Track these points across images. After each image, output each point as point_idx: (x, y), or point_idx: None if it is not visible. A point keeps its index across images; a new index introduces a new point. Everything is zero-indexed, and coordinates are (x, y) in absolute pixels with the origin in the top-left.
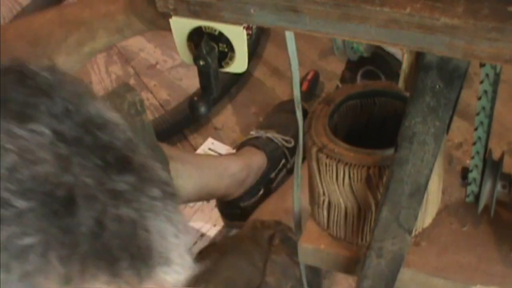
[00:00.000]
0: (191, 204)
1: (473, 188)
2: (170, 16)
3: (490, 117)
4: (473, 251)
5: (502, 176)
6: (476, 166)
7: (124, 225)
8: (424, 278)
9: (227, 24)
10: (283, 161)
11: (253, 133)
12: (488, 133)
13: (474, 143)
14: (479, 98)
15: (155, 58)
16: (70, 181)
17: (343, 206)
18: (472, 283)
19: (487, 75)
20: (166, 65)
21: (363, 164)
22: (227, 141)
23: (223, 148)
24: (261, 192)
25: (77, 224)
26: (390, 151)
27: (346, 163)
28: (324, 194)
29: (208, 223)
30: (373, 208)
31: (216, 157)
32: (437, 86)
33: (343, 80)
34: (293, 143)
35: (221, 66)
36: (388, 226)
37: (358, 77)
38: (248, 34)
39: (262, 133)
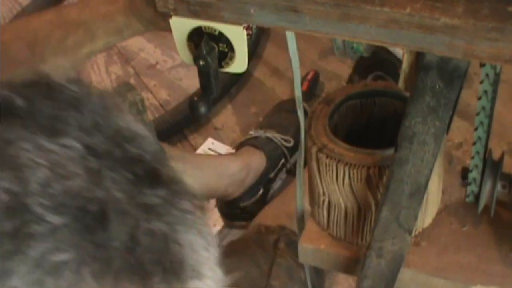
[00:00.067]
0: None
1: (473, 188)
2: (170, 16)
3: (490, 117)
4: (473, 251)
5: (502, 176)
6: (476, 166)
7: (157, 239)
8: (424, 278)
9: (227, 24)
10: (283, 160)
11: (252, 132)
12: (488, 133)
13: (474, 143)
14: (479, 98)
15: (155, 58)
16: (102, 195)
17: (343, 206)
18: (472, 283)
19: (487, 75)
20: (166, 65)
21: (363, 164)
22: (227, 141)
23: (223, 148)
24: (261, 191)
25: (110, 239)
26: (390, 151)
27: (346, 163)
28: (324, 194)
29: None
30: (373, 208)
31: (216, 157)
32: (437, 86)
33: (350, 83)
34: (292, 143)
35: (221, 66)
36: (388, 226)
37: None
38: (248, 34)
39: (261, 133)
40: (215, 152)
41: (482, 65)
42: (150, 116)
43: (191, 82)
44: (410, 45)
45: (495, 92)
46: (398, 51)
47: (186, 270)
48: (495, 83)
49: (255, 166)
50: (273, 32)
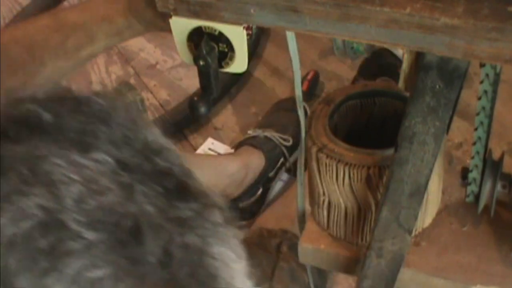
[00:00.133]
0: None
1: (473, 188)
2: (170, 16)
3: (490, 117)
4: (473, 251)
5: (502, 176)
6: (476, 166)
7: (190, 252)
8: (424, 278)
9: (227, 24)
10: (282, 159)
11: (250, 132)
12: (488, 133)
13: (474, 143)
14: (479, 98)
15: (155, 58)
16: (134, 210)
17: (343, 206)
18: (472, 283)
19: (487, 75)
20: (166, 65)
21: (363, 164)
22: (227, 141)
23: (223, 148)
24: (260, 191)
25: (145, 254)
26: (390, 151)
27: (346, 163)
28: (324, 194)
29: None
30: (373, 208)
31: (216, 157)
32: (437, 86)
33: None
34: (291, 142)
35: (221, 66)
36: (388, 226)
37: None
38: (248, 34)
39: (259, 132)
40: (215, 152)
41: (482, 65)
42: (150, 116)
43: (191, 82)
44: (410, 45)
45: (495, 92)
46: (401, 53)
47: (220, 283)
48: (495, 83)
49: (254, 166)
50: (273, 32)
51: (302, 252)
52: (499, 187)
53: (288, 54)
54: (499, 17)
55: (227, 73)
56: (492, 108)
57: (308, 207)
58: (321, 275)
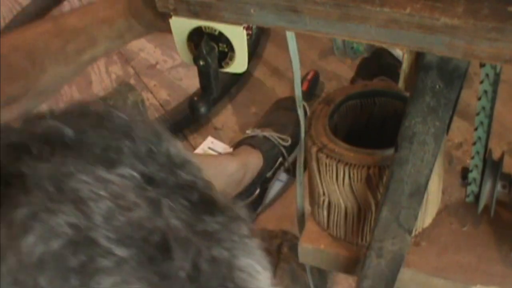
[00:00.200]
0: None
1: (473, 188)
2: (170, 16)
3: (490, 117)
4: (473, 251)
5: (502, 176)
6: (476, 166)
7: (219, 266)
8: (424, 278)
9: (227, 24)
10: (280, 159)
11: (249, 132)
12: (488, 133)
13: (474, 143)
14: (479, 98)
15: (155, 58)
16: (162, 225)
17: (343, 206)
18: (472, 283)
19: (487, 75)
20: (166, 65)
21: (363, 164)
22: (227, 141)
23: (223, 147)
24: (257, 191)
25: (174, 269)
26: (390, 151)
27: (346, 163)
28: (324, 194)
29: None
30: (373, 208)
31: (215, 157)
32: (437, 86)
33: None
34: (290, 142)
35: (221, 66)
36: (388, 226)
37: None
38: (248, 34)
39: (258, 132)
40: (215, 151)
41: (482, 65)
42: (150, 116)
43: (191, 82)
44: (410, 45)
45: (495, 92)
46: (400, 54)
47: None
48: (495, 83)
49: (252, 166)
50: (273, 32)
51: (302, 252)
52: (499, 187)
53: (288, 54)
54: (499, 17)
55: (227, 73)
56: (492, 108)
57: (308, 207)
58: (321, 275)
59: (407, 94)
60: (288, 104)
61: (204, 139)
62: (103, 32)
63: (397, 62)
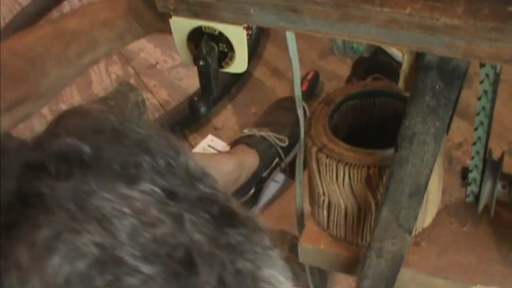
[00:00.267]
0: None
1: (473, 188)
2: (170, 16)
3: (490, 117)
4: (473, 251)
5: (502, 176)
6: (476, 166)
7: (244, 278)
8: (424, 278)
9: (227, 24)
10: (277, 160)
11: (246, 131)
12: (488, 133)
13: (474, 143)
14: (479, 98)
15: (155, 58)
16: (185, 240)
17: (343, 206)
18: (472, 283)
19: (487, 75)
20: (166, 65)
21: (363, 164)
22: (226, 141)
23: (222, 146)
24: (252, 191)
25: (200, 284)
26: (390, 151)
27: (346, 163)
28: (324, 194)
29: None
30: (373, 208)
31: (212, 156)
32: (437, 86)
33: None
34: (287, 142)
35: (221, 66)
36: (388, 226)
37: None
38: (248, 34)
39: (255, 131)
40: (214, 149)
41: (482, 65)
42: (150, 116)
43: (191, 82)
44: (410, 45)
45: (495, 92)
46: (397, 54)
47: None
48: (495, 83)
49: (248, 165)
50: (273, 32)
51: (302, 252)
52: (499, 187)
53: (288, 54)
54: (499, 17)
55: (227, 73)
56: (492, 108)
57: (307, 207)
58: (321, 275)
59: (407, 94)
60: (287, 104)
61: (204, 139)
62: (103, 34)
63: (392, 60)
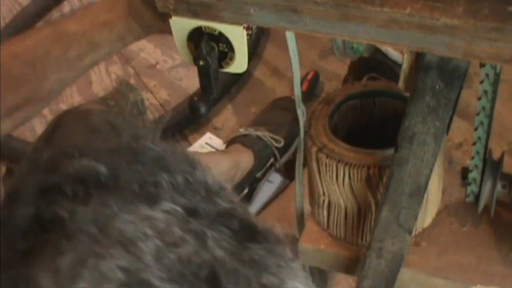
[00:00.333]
0: None
1: (473, 188)
2: (170, 17)
3: (490, 117)
4: (473, 251)
5: (502, 176)
6: (476, 166)
7: None
8: (424, 278)
9: (227, 24)
10: (271, 160)
11: (242, 130)
12: (488, 133)
13: (474, 143)
14: (479, 98)
15: (155, 58)
16: (208, 258)
17: (343, 206)
18: (472, 283)
19: (487, 75)
20: (166, 65)
21: (363, 164)
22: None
23: (220, 144)
24: (246, 191)
25: None
26: (390, 151)
27: (346, 163)
28: (324, 194)
29: None
30: (373, 208)
31: (209, 155)
32: (437, 86)
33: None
34: (283, 143)
35: (221, 66)
36: (388, 226)
37: None
38: (248, 34)
39: (251, 131)
40: (212, 147)
41: (482, 65)
42: (150, 116)
43: (191, 82)
44: (410, 45)
45: (495, 92)
46: (392, 53)
47: None
48: (495, 83)
49: (243, 165)
50: (273, 32)
51: (302, 252)
52: (499, 187)
53: (288, 54)
54: (499, 17)
55: (227, 73)
56: (492, 108)
57: (307, 207)
58: (321, 275)
59: (407, 94)
60: (285, 104)
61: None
62: (103, 36)
63: (388, 60)
